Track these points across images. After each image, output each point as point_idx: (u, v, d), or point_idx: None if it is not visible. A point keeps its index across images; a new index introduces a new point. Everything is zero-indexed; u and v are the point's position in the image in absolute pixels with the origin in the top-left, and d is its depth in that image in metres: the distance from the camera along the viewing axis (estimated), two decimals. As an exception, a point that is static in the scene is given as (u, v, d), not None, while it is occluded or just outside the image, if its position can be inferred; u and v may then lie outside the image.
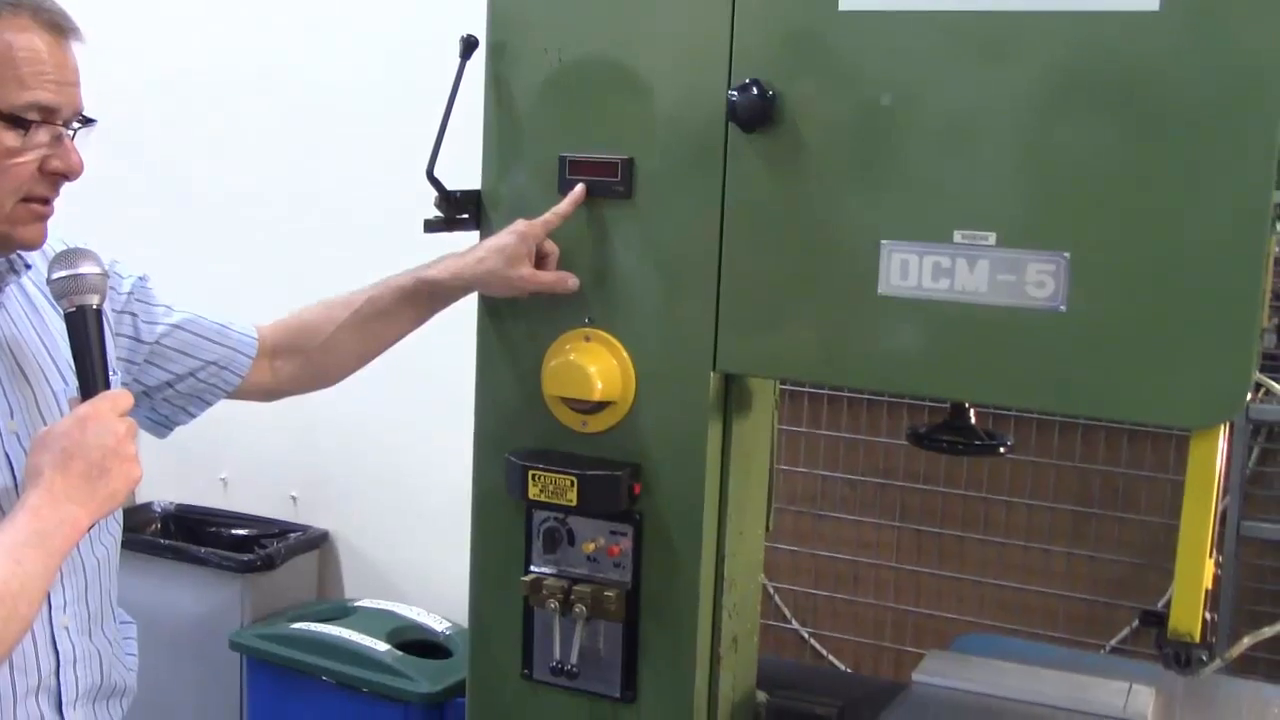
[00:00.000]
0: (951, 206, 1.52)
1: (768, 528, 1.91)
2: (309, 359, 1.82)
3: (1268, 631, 1.81)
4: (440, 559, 3.08)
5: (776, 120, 1.58)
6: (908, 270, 1.54)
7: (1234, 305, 1.42)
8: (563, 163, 1.73)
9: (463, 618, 1.95)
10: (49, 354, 1.52)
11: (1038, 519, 3.18)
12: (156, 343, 1.68)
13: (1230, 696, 1.97)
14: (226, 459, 3.69)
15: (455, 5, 1.85)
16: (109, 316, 1.60)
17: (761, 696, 1.90)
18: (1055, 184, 1.47)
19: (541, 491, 1.72)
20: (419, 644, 3.19)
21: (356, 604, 3.39)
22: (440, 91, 1.74)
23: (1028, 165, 1.49)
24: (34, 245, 1.46)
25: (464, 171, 1.79)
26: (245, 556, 3.35)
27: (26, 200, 1.41)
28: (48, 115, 1.39)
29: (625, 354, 1.72)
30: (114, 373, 1.56)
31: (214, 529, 3.62)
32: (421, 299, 1.79)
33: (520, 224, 1.72)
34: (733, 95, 1.58)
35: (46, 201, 1.43)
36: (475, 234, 1.81)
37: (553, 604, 1.75)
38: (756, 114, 1.57)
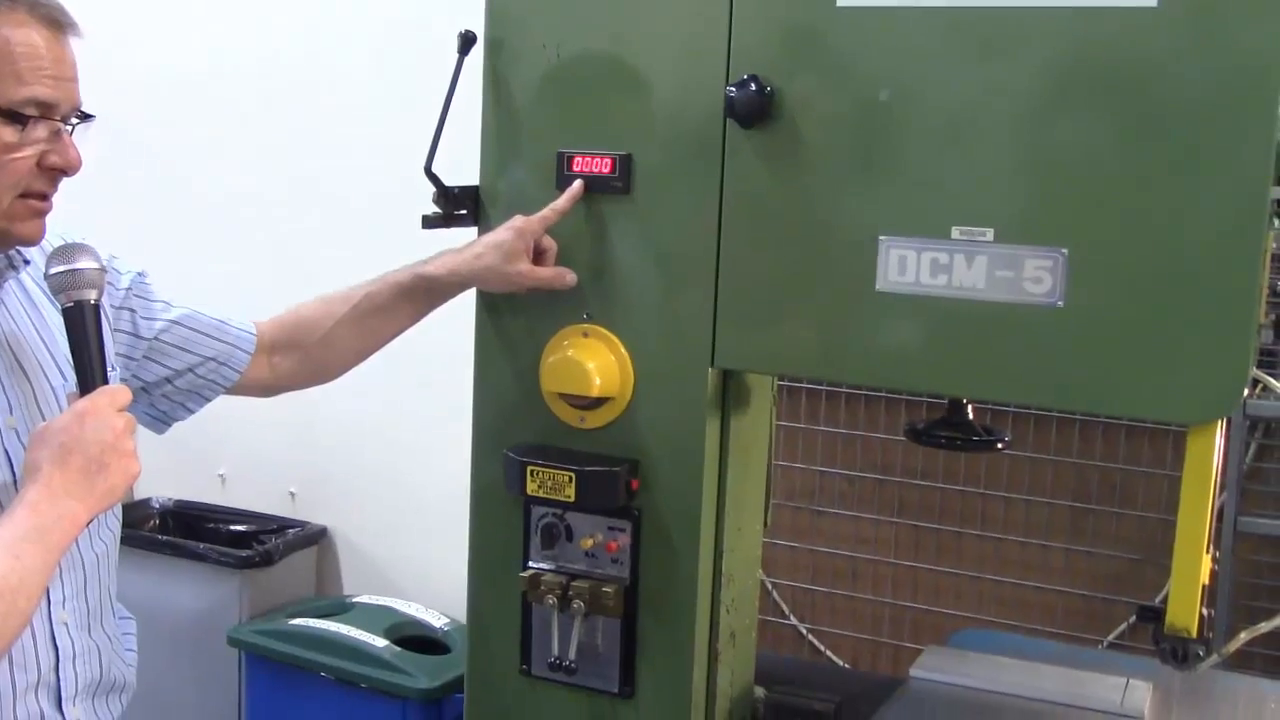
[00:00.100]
0: (949, 202, 1.52)
1: (766, 523, 1.91)
2: (307, 354, 1.82)
3: (1264, 627, 1.81)
4: (439, 555, 3.09)
5: (775, 116, 1.58)
6: (906, 266, 1.54)
7: (1231, 301, 1.42)
8: (561, 158, 1.73)
9: (461, 614, 1.96)
10: (48, 349, 1.52)
11: (1035, 514, 3.18)
12: (155, 338, 1.68)
13: (1227, 691, 1.97)
14: (225, 455, 3.69)
15: (454, 1, 1.85)
16: (107, 312, 1.60)
17: (759, 692, 1.90)
18: (1053, 180, 1.47)
19: (540, 487, 1.73)
20: (417, 640, 3.19)
21: (355, 600, 3.39)
22: (438, 87, 1.74)
23: (1026, 161, 1.49)
24: (33, 241, 1.46)
25: (462, 168, 1.79)
26: (244, 552, 3.35)
27: (25, 196, 1.41)
28: (46, 110, 1.39)
29: (623, 350, 1.72)
30: (112, 368, 1.56)
31: (212, 525, 3.62)
32: (419, 295, 1.79)
33: (518, 220, 1.72)
34: (731, 91, 1.58)
35: (45, 197, 1.43)
36: (473, 230, 1.81)
37: (551, 600, 1.75)
38: (755, 110, 1.57)
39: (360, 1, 3.38)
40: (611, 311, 1.73)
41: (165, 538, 3.47)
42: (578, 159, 1.71)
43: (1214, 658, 1.64)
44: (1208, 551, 1.54)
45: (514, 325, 1.80)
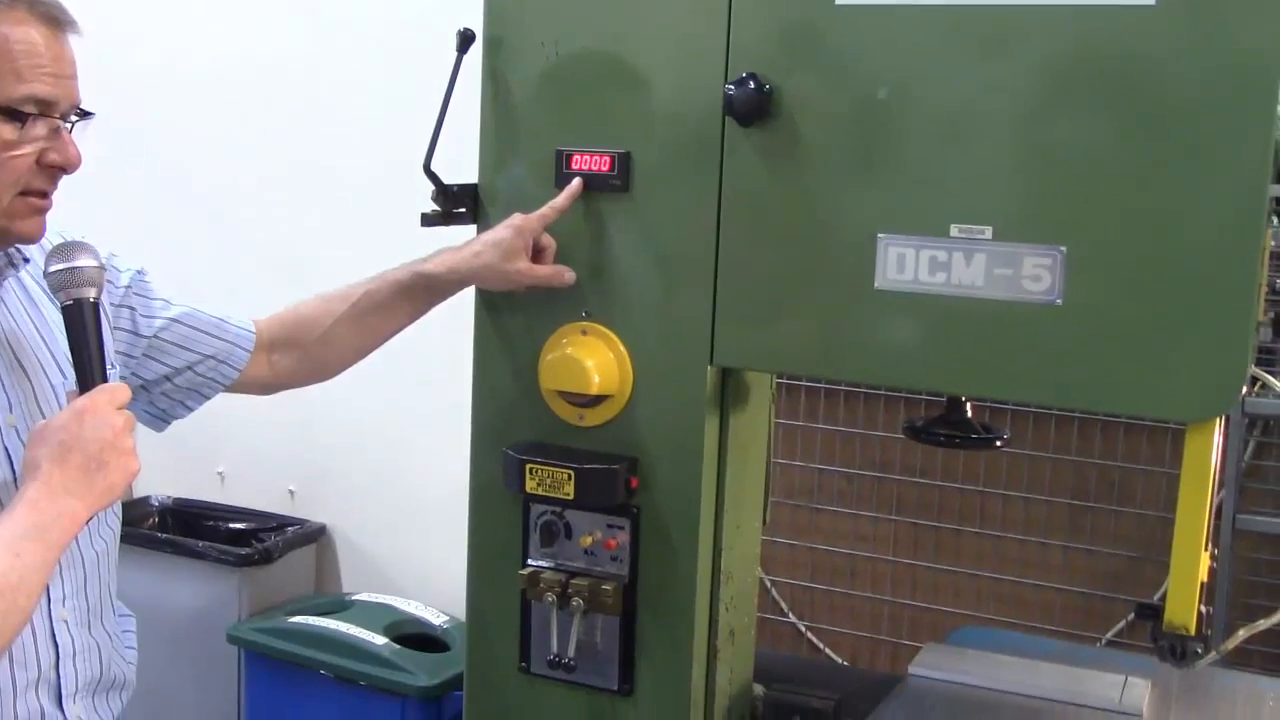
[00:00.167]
0: (948, 200, 1.52)
1: (765, 521, 1.91)
2: (306, 353, 1.82)
3: (1263, 624, 1.81)
4: (438, 553, 3.10)
5: (773, 114, 1.58)
6: (904, 264, 1.54)
7: (1230, 299, 1.42)
8: (559, 157, 1.73)
9: (460, 611, 1.96)
10: (47, 347, 1.52)
11: (1034, 512, 3.18)
12: (154, 336, 1.68)
13: (1225, 689, 1.97)
14: (224, 453, 3.69)
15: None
16: (107, 310, 1.60)
17: (758, 689, 1.90)
18: (1052, 178, 1.48)
19: (539, 485, 1.73)
20: (416, 637, 3.20)
21: (354, 598, 3.40)
22: (437, 85, 1.74)
23: (1024, 159, 1.49)
24: (32, 239, 1.46)
25: (461, 165, 1.79)
26: (243, 550, 3.35)
27: (24, 194, 1.41)
28: (45, 108, 1.39)
29: (622, 348, 1.72)
30: (112, 366, 1.56)
31: (211, 523, 3.62)
32: (418, 293, 1.79)
33: (517, 218, 1.72)
34: (730, 89, 1.58)
35: (44, 195, 1.43)
36: (472, 228, 1.81)
37: (550, 597, 1.75)
38: (753, 108, 1.57)
39: (359, 0, 3.38)
40: (610, 309, 1.73)
41: (164, 535, 3.47)
42: (576, 157, 1.72)
43: (1212, 655, 1.65)
44: (1206, 549, 1.54)
45: (513, 323, 1.80)
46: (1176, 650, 1.54)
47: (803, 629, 3.42)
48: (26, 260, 1.52)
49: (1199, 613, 1.53)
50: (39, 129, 1.39)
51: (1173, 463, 2.82)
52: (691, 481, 1.71)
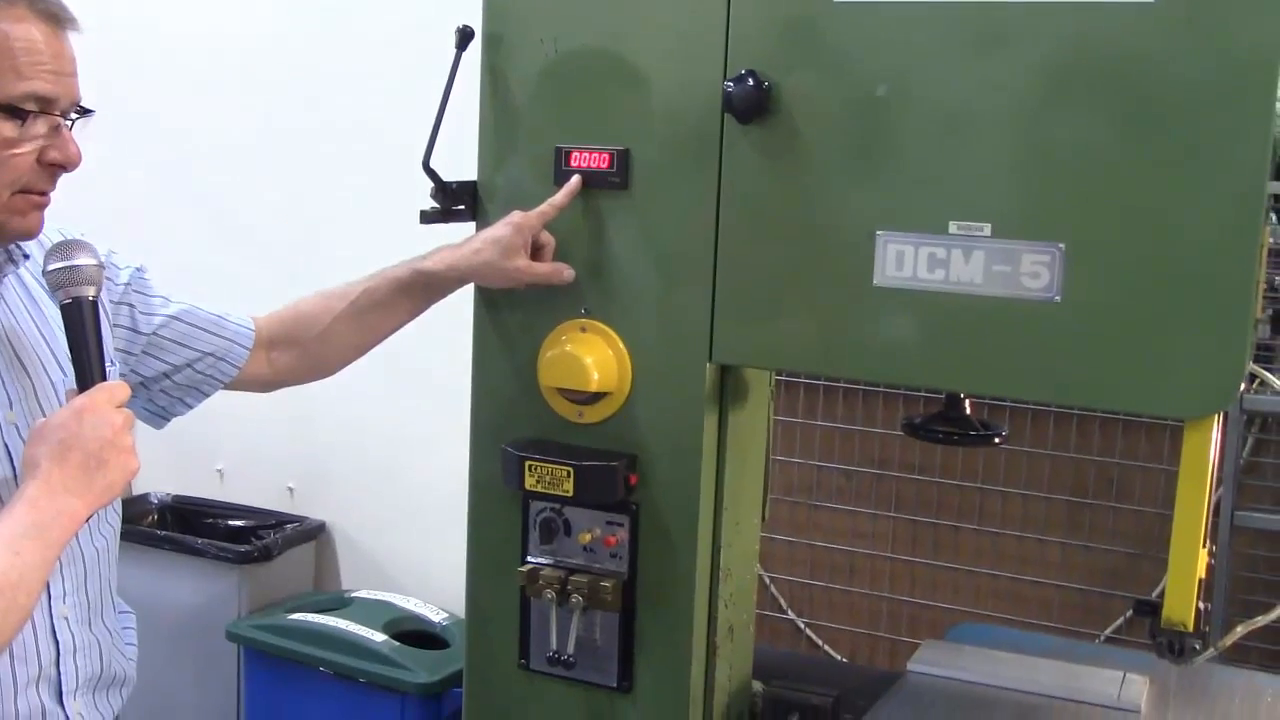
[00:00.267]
0: (947, 197, 1.52)
1: (764, 518, 1.92)
2: (306, 350, 1.82)
3: (1260, 620, 1.82)
4: (437, 550, 3.10)
5: (772, 111, 1.58)
6: (903, 261, 1.54)
7: (1228, 296, 1.42)
8: (559, 154, 1.73)
9: (460, 608, 1.96)
10: (47, 345, 1.52)
11: (1033, 509, 3.19)
12: (154, 334, 1.68)
13: (1223, 685, 1.97)
14: (223, 450, 3.69)
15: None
16: (106, 307, 1.60)
17: (758, 686, 1.90)
18: (1050, 175, 1.48)
19: (538, 482, 1.73)
20: (416, 634, 3.19)
21: (353, 595, 3.39)
22: (436, 82, 1.74)
23: (1023, 156, 1.49)
24: (31, 235, 1.46)
25: (460, 163, 1.79)
26: (242, 547, 3.35)
27: (24, 191, 1.41)
28: (45, 106, 1.39)
29: (621, 345, 1.72)
30: (111, 363, 1.56)
31: (211, 520, 3.62)
32: (417, 290, 1.79)
33: (516, 215, 1.72)
34: (728, 86, 1.58)
35: (44, 193, 1.43)
36: (471, 225, 1.81)
37: (549, 594, 1.75)
38: (752, 105, 1.57)
39: (358, -4, 3.38)
40: (609, 306, 1.73)
41: (164, 533, 3.47)
42: (575, 154, 1.72)
43: (1210, 652, 1.65)
44: (1204, 546, 1.54)
45: (512, 320, 1.80)
46: (1175, 647, 1.54)
47: (802, 626, 3.43)
48: (27, 256, 1.52)
49: (1197, 609, 1.53)
50: (39, 127, 1.39)
51: (1171, 459, 2.83)
52: (690, 478, 1.71)
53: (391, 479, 3.48)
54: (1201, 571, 1.54)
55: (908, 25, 1.52)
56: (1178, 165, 1.41)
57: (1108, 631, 3.13)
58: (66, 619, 1.51)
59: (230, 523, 3.59)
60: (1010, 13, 1.47)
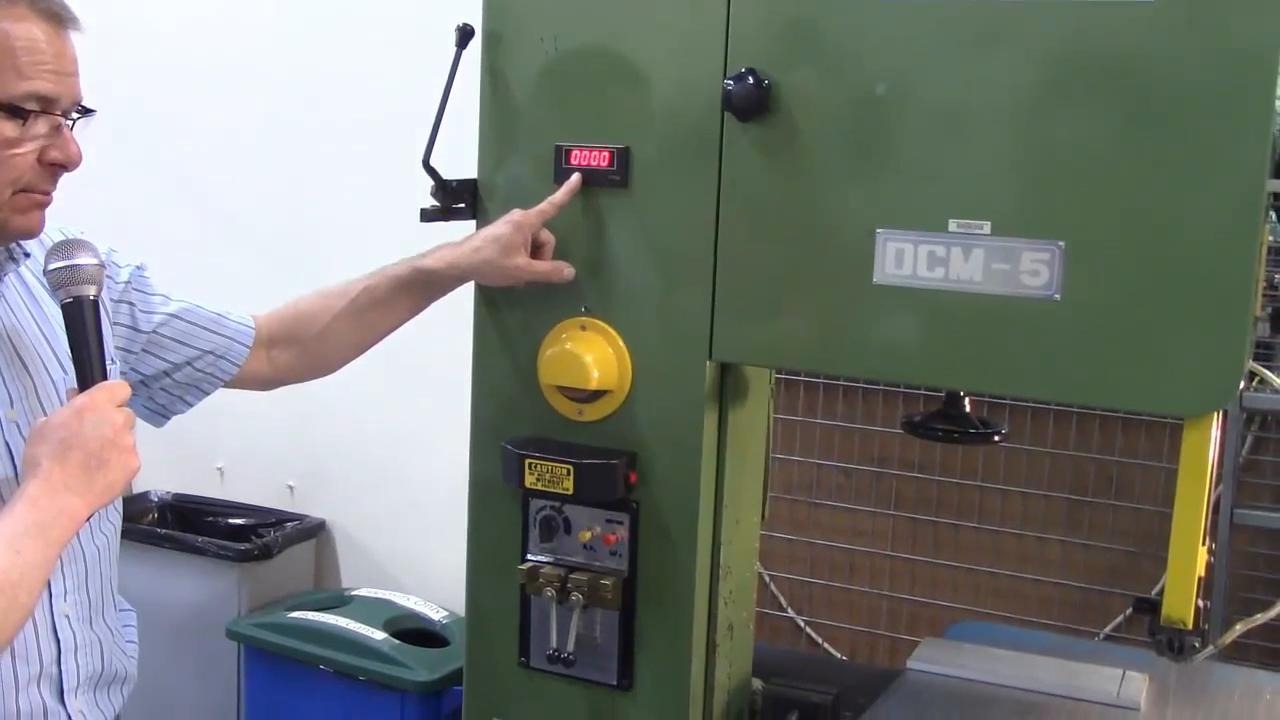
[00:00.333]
0: (946, 195, 1.52)
1: (763, 516, 1.92)
2: (305, 348, 1.82)
3: (1260, 618, 1.82)
4: (437, 548, 3.10)
5: (772, 109, 1.59)
6: (903, 259, 1.54)
7: (1228, 294, 1.42)
8: (559, 152, 1.73)
9: (460, 606, 1.96)
10: (48, 343, 1.52)
11: (1032, 507, 3.19)
12: (154, 332, 1.68)
13: (1223, 683, 1.98)
14: (223, 449, 3.70)
15: (451, -5, 1.85)
16: (106, 305, 1.60)
17: (757, 684, 1.90)
18: (1050, 173, 1.48)
19: (538, 480, 1.73)
20: (416, 633, 3.20)
21: (353, 593, 3.40)
22: (436, 81, 1.74)
23: (1023, 154, 1.49)
24: (31, 234, 1.46)
25: (460, 161, 1.79)
26: (242, 546, 3.35)
27: (24, 190, 1.41)
28: (46, 105, 1.39)
29: (621, 343, 1.73)
30: (112, 361, 1.56)
31: (211, 518, 3.62)
32: (417, 288, 1.79)
33: (516, 213, 1.72)
34: (728, 84, 1.58)
35: (45, 192, 1.43)
36: (471, 223, 1.81)
37: (549, 592, 1.75)
38: (752, 103, 1.57)
39: (358, -5, 3.38)
40: (609, 305, 1.73)
41: (164, 531, 3.47)
42: (575, 152, 1.72)
43: (1210, 649, 1.65)
44: (1204, 544, 1.54)
45: (512, 318, 1.80)
46: (1174, 644, 1.54)
47: (801, 624, 3.43)
48: (27, 255, 1.52)
49: (1196, 607, 1.53)
50: (40, 126, 1.39)
51: (1171, 457, 2.83)
52: (690, 477, 1.71)
53: (392, 477, 3.48)
54: (1201, 569, 1.54)
55: (907, 23, 1.52)
56: (1177, 163, 1.42)
57: (1107, 629, 3.13)
58: (68, 617, 1.51)
59: (230, 521, 3.59)
60: (1010, 11, 1.47)
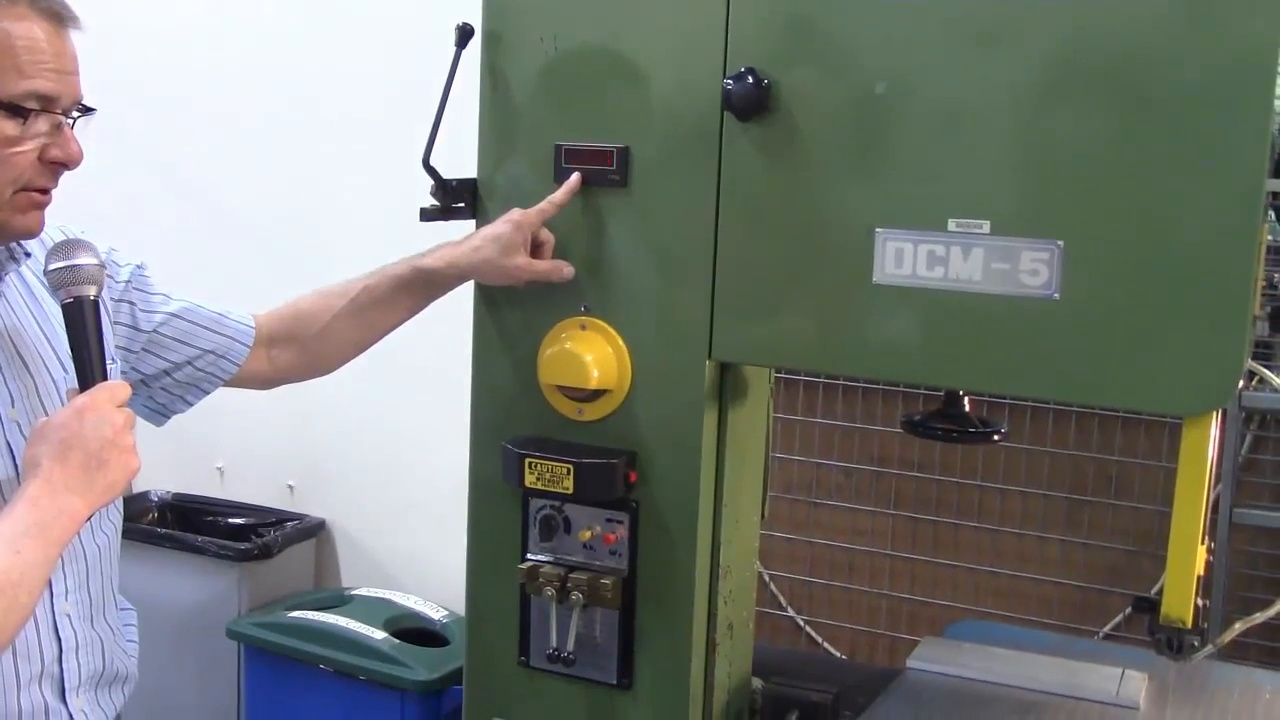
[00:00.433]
0: (946, 195, 1.52)
1: (763, 516, 1.92)
2: (305, 347, 1.82)
3: (1259, 617, 1.82)
4: (437, 547, 3.11)
5: (772, 109, 1.59)
6: (902, 259, 1.54)
7: (1227, 293, 1.42)
8: (558, 151, 1.73)
9: (460, 606, 1.96)
10: (49, 342, 1.52)
11: (1032, 506, 3.19)
12: (154, 331, 1.68)
13: (1222, 682, 1.98)
14: (223, 448, 3.70)
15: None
16: (106, 305, 1.61)
17: (757, 683, 1.91)
18: (1049, 172, 1.48)
19: (538, 479, 1.73)
20: (416, 632, 3.20)
21: (353, 593, 3.40)
22: (436, 80, 1.74)
23: (1022, 153, 1.50)
24: (32, 233, 1.47)
25: (460, 160, 1.79)
26: (242, 545, 3.36)
27: (25, 189, 1.41)
28: (47, 104, 1.39)
29: (621, 342, 1.73)
30: (113, 361, 1.56)
31: (211, 518, 3.62)
32: (417, 287, 1.79)
33: (515, 213, 1.72)
34: (728, 84, 1.58)
35: (45, 191, 1.43)
36: (471, 223, 1.81)
37: (549, 591, 1.75)
38: (752, 103, 1.57)
39: (358, -6, 3.38)
40: (609, 304, 1.73)
41: (164, 531, 3.48)
42: (575, 151, 1.72)
43: (1209, 648, 1.65)
44: (1203, 543, 1.54)
45: (512, 318, 1.80)
46: (1173, 643, 1.54)
47: (801, 623, 3.43)
48: (28, 254, 1.52)
49: (1196, 606, 1.53)
50: (41, 125, 1.39)
51: (1170, 457, 2.83)
52: (690, 476, 1.72)
53: (391, 477, 3.48)
54: (1200, 568, 1.54)
55: (907, 22, 1.52)
56: (1176, 162, 1.42)
57: (1107, 628, 3.13)
58: (69, 616, 1.51)
59: (230, 521, 3.60)
60: (1010, 10, 1.47)
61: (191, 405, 1.77)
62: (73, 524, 1.34)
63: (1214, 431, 1.50)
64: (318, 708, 3.14)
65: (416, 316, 1.84)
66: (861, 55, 1.55)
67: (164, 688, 3.25)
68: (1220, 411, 1.52)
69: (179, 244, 3.31)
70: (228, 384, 1.78)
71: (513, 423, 1.80)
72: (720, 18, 1.61)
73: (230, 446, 3.69)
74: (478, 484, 1.86)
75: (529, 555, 1.80)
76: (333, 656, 3.09)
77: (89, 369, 1.42)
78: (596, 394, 1.72)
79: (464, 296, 1.83)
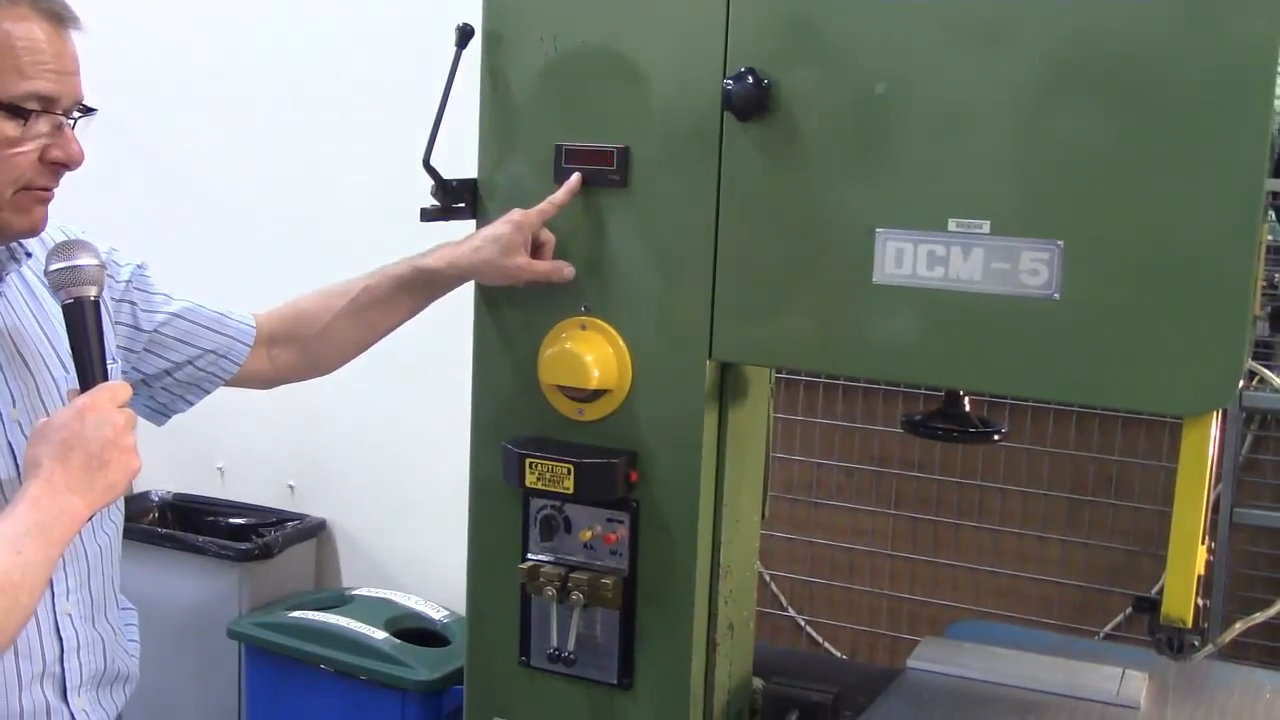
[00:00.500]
0: (946, 194, 1.52)
1: (764, 516, 1.92)
2: (306, 347, 1.82)
3: (1259, 617, 1.82)
4: (438, 547, 3.11)
5: (772, 109, 1.59)
6: (902, 259, 1.54)
7: (1227, 293, 1.42)
8: (559, 151, 1.73)
9: (460, 606, 1.96)
10: (50, 342, 1.52)
11: (1032, 506, 3.19)
12: (155, 331, 1.69)
13: (1222, 681, 1.98)
14: (224, 448, 3.70)
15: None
16: (107, 305, 1.61)
17: (758, 683, 1.91)
18: (1049, 172, 1.48)
19: (538, 479, 1.73)
20: (417, 632, 3.20)
21: (354, 593, 3.40)
22: (436, 81, 1.74)
23: (1022, 153, 1.50)
24: (33, 232, 1.47)
25: (461, 161, 1.79)
26: (243, 545, 3.36)
27: (26, 189, 1.41)
28: (48, 105, 1.39)
29: (621, 342, 1.73)
30: (113, 361, 1.57)
31: (211, 518, 3.62)
32: (418, 288, 1.79)
33: (516, 213, 1.72)
34: (728, 84, 1.58)
35: (46, 190, 1.43)
36: (472, 223, 1.81)
37: (550, 591, 1.75)
38: (752, 103, 1.57)
39: (358, -5, 3.38)
40: (609, 304, 1.74)
41: (165, 531, 3.48)
42: (575, 152, 1.72)
43: (1209, 648, 1.65)
44: (1203, 543, 1.54)
45: (512, 318, 1.80)
46: (1174, 643, 1.54)
47: (802, 623, 3.43)
48: (29, 254, 1.52)
49: (1196, 606, 1.53)
50: (41, 125, 1.39)
51: (1170, 456, 2.82)
52: (691, 476, 1.72)
53: (392, 477, 3.48)
54: (1200, 568, 1.54)
55: (907, 22, 1.52)
56: (1177, 162, 1.42)
57: (1107, 628, 3.13)
58: (70, 616, 1.51)
59: (231, 521, 3.60)
60: (1010, 10, 1.48)
61: (192, 405, 1.77)
62: (73, 524, 1.34)
63: (1214, 431, 1.50)
64: (318, 708, 3.14)
65: (417, 317, 1.84)
66: (862, 55, 1.55)
67: (165, 688, 3.26)
68: (1220, 411, 1.52)
69: (179, 244, 3.31)
70: (228, 384, 1.78)
71: (513, 423, 1.80)
72: (720, 17, 1.61)
73: (231, 446, 3.69)
74: (478, 484, 1.86)
75: (529, 555, 1.80)
76: (333, 656, 3.09)
77: (90, 369, 1.42)
78: (597, 394, 1.73)
79: (464, 297, 1.83)
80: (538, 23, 1.73)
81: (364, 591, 3.40)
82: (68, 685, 1.51)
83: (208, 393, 1.77)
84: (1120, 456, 3.08)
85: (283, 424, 3.54)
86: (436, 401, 2.67)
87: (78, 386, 1.42)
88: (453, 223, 1.80)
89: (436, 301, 1.82)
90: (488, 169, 1.80)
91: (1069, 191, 1.47)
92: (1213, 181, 1.40)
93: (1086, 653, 2.09)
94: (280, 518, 3.56)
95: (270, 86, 3.49)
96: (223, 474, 3.75)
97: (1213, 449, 1.50)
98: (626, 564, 1.75)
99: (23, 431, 1.44)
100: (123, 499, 1.56)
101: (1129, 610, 3.06)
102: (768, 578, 3.38)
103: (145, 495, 3.67)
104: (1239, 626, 1.80)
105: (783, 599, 3.43)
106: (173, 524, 3.62)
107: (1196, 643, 1.55)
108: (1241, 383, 1.49)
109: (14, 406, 1.46)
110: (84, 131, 1.45)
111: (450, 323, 1.92)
